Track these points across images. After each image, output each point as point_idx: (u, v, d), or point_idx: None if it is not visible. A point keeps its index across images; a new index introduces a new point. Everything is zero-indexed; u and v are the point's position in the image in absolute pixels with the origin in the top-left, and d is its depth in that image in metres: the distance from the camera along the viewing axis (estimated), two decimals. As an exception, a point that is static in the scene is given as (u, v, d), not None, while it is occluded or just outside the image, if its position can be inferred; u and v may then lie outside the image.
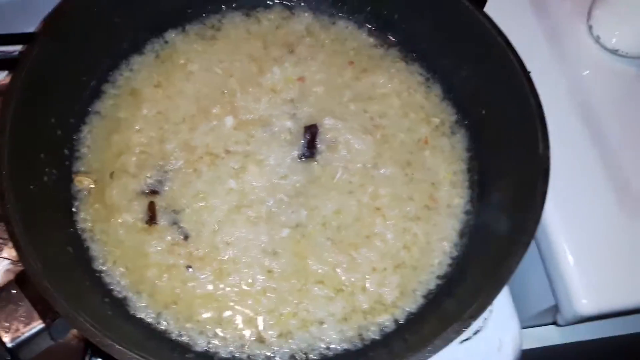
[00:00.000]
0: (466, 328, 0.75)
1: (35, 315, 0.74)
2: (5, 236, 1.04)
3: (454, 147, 1.02)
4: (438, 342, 0.73)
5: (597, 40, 1.23)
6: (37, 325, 0.74)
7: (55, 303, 0.71)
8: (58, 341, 0.79)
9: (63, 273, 0.80)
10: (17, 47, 1.15)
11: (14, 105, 0.84)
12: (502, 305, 1.00)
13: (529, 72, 0.93)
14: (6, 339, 0.72)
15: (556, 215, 1.05)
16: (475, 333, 0.97)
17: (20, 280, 0.76)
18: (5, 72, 1.17)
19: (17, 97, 0.84)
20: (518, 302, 1.03)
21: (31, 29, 1.15)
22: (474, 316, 0.75)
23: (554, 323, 1.13)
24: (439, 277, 0.92)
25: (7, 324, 0.73)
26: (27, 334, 0.74)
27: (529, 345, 1.12)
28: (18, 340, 0.73)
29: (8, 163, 0.80)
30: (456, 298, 0.86)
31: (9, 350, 0.72)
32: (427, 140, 1.01)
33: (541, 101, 0.90)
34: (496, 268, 0.80)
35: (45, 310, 0.75)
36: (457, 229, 0.95)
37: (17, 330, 0.73)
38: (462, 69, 1.03)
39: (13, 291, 0.74)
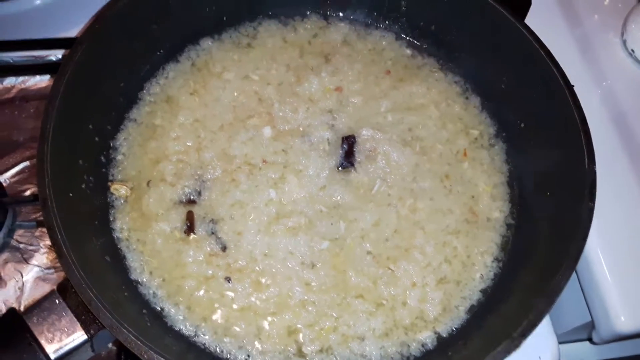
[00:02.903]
0: (517, 347, 0.73)
1: (78, 326, 0.73)
2: (35, 243, 1.04)
3: (493, 159, 1.00)
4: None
5: (631, 54, 1.22)
6: (80, 336, 0.73)
7: (99, 314, 0.70)
8: (97, 353, 0.78)
9: (102, 282, 0.78)
10: (53, 52, 1.14)
11: (56, 112, 0.83)
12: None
13: (572, 86, 0.92)
14: (49, 350, 0.71)
15: (593, 231, 1.03)
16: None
17: (62, 289, 0.75)
18: (39, 77, 1.17)
19: (59, 104, 0.84)
20: (552, 317, 1.01)
21: (66, 33, 1.16)
22: (525, 334, 0.74)
23: (589, 339, 1.10)
24: (481, 292, 0.90)
25: (50, 335, 0.71)
26: (70, 346, 0.72)
27: (563, 362, 1.10)
28: (61, 351, 0.72)
29: (50, 169, 0.79)
30: (501, 315, 0.84)
31: (51, 361, 0.71)
32: (466, 152, 1.00)
33: (585, 116, 0.89)
34: (545, 284, 0.78)
35: (87, 321, 0.73)
36: (498, 242, 0.94)
37: (60, 341, 0.72)
38: (501, 81, 1.02)
39: (56, 301, 0.73)
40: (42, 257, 1.03)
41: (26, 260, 1.02)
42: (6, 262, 1.02)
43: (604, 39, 1.25)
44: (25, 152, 1.12)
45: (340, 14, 1.10)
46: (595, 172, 0.85)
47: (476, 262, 0.92)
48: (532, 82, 0.96)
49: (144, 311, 0.84)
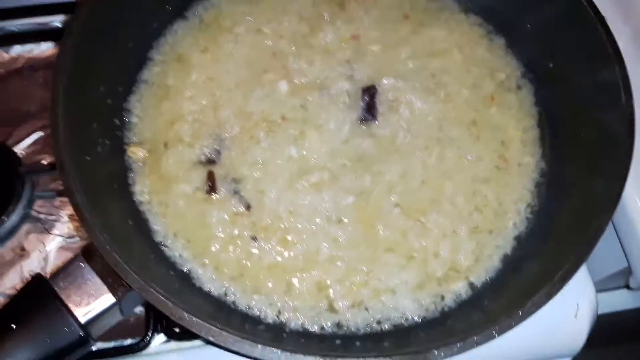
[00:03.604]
0: (558, 291, 0.71)
1: (105, 289, 0.71)
2: (55, 213, 1.03)
3: (522, 103, 0.96)
4: (530, 306, 0.69)
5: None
6: (108, 299, 0.71)
7: (126, 276, 0.68)
8: (126, 316, 0.77)
9: (127, 246, 0.76)
10: (57, 17, 1.11)
11: (65, 76, 0.80)
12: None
13: (603, 17, 0.86)
14: (78, 313, 0.69)
15: (630, 173, 0.99)
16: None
17: (87, 253, 0.73)
18: (48, 44, 1.14)
19: (67, 68, 0.81)
20: (588, 264, 0.98)
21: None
22: (566, 279, 0.71)
23: (626, 287, 1.08)
24: (515, 239, 0.87)
25: (77, 299, 0.70)
26: (99, 309, 0.71)
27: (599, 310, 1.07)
28: (90, 315, 0.70)
29: (63, 133, 0.77)
30: (538, 262, 0.81)
31: (82, 326, 0.70)
32: (493, 97, 0.95)
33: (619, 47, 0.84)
34: (584, 228, 0.75)
35: (114, 284, 0.72)
36: (530, 188, 0.90)
37: (88, 304, 0.70)
38: (526, 20, 0.97)
39: (81, 265, 0.71)
40: (64, 227, 1.02)
41: (48, 230, 1.01)
42: (28, 233, 1.01)
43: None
44: (37, 122, 1.10)
45: (354, -42, 1.05)
46: (633, 108, 0.80)
47: (509, 210, 0.89)
48: (558, 17, 0.91)
49: (171, 273, 0.82)
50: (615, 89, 0.82)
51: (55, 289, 0.70)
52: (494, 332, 0.68)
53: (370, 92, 0.94)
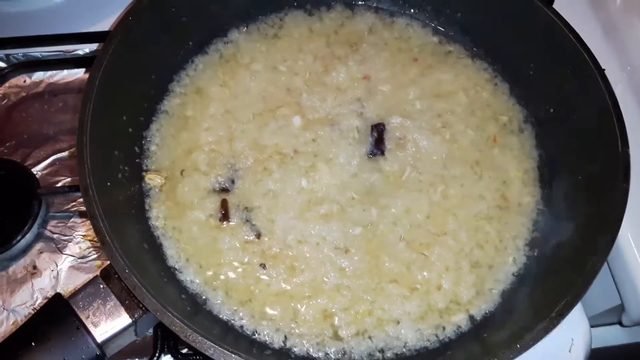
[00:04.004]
0: (555, 326, 0.74)
1: (122, 310, 0.74)
2: (68, 233, 1.06)
3: (523, 145, 1.01)
4: (527, 339, 0.72)
5: (656, 38, 1.22)
6: (125, 320, 0.74)
7: (144, 299, 0.71)
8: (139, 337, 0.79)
9: (143, 269, 0.79)
10: (81, 46, 1.16)
11: (93, 104, 0.84)
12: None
13: (603, 70, 0.92)
14: (96, 333, 0.72)
15: (625, 213, 1.03)
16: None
17: (105, 275, 0.77)
18: (66, 71, 1.19)
19: (96, 96, 0.85)
20: (582, 300, 1.01)
21: (91, 28, 1.18)
22: (563, 314, 0.74)
23: (619, 323, 1.11)
24: (514, 275, 0.91)
25: (95, 319, 0.73)
26: (115, 329, 0.74)
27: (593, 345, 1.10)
28: (107, 335, 0.73)
29: (89, 159, 0.81)
30: (536, 297, 0.85)
31: (98, 345, 0.72)
32: (496, 138, 1.00)
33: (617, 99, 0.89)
34: (581, 265, 0.79)
35: (131, 306, 0.75)
36: (530, 226, 0.95)
37: (105, 324, 0.73)
38: (529, 67, 1.02)
39: (100, 286, 0.74)
40: (76, 247, 1.05)
41: (60, 250, 1.04)
42: (41, 252, 1.04)
43: (629, 22, 1.24)
44: (55, 145, 1.14)
45: (365, 3, 1.11)
46: (629, 155, 0.85)
47: (508, 246, 0.93)
48: (561, 66, 0.96)
49: (183, 296, 0.85)
50: (612, 136, 0.86)
51: (74, 308, 0.73)
52: (492, 364, 0.71)
53: (378, 129, 0.99)
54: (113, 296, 0.74)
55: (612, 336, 1.16)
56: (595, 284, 1.11)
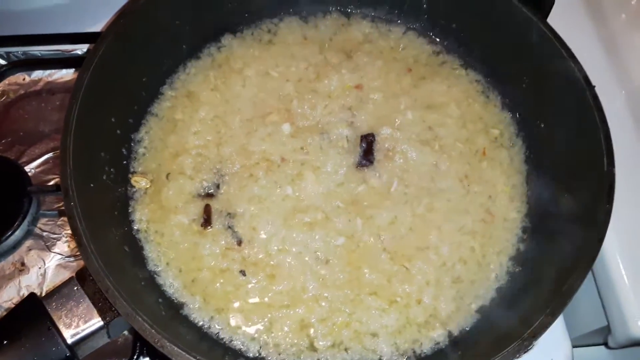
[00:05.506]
0: (527, 348, 0.73)
1: (95, 313, 0.74)
2: (58, 232, 1.07)
3: (513, 159, 1.00)
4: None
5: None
6: (96, 322, 0.74)
7: (116, 302, 0.71)
8: (112, 339, 0.80)
9: (120, 272, 0.80)
10: (79, 46, 1.17)
11: (78, 105, 0.84)
12: (553, 324, 0.97)
13: (593, 87, 0.90)
14: (67, 334, 0.73)
15: (611, 234, 1.01)
16: (525, 351, 0.94)
17: (81, 276, 0.77)
18: (65, 70, 1.20)
19: (82, 96, 0.85)
20: (567, 320, 0.99)
21: (92, 28, 1.19)
22: (536, 336, 0.73)
23: (605, 344, 1.08)
24: (496, 291, 0.90)
25: (68, 320, 0.73)
26: (86, 331, 0.74)
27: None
28: (78, 337, 0.73)
29: (72, 160, 0.81)
30: (514, 315, 0.83)
31: (68, 346, 0.73)
32: (486, 151, 0.99)
33: (606, 117, 0.87)
34: (559, 285, 0.77)
35: (104, 308, 0.75)
36: (514, 242, 0.93)
37: (77, 326, 0.73)
38: (522, 80, 1.01)
39: (75, 288, 0.75)
40: (64, 246, 1.06)
41: (49, 248, 1.05)
42: (30, 249, 1.05)
43: (630, 39, 1.22)
44: (50, 143, 1.15)
45: (359, 10, 1.10)
46: (614, 174, 0.83)
47: (491, 262, 0.92)
48: (553, 81, 0.95)
49: (160, 300, 0.85)
50: (598, 154, 0.85)
51: (48, 309, 0.74)
52: (465, 383, 0.70)
53: (368, 140, 0.98)
54: (87, 298, 0.75)
55: (597, 357, 1.14)
56: (582, 305, 1.10)
